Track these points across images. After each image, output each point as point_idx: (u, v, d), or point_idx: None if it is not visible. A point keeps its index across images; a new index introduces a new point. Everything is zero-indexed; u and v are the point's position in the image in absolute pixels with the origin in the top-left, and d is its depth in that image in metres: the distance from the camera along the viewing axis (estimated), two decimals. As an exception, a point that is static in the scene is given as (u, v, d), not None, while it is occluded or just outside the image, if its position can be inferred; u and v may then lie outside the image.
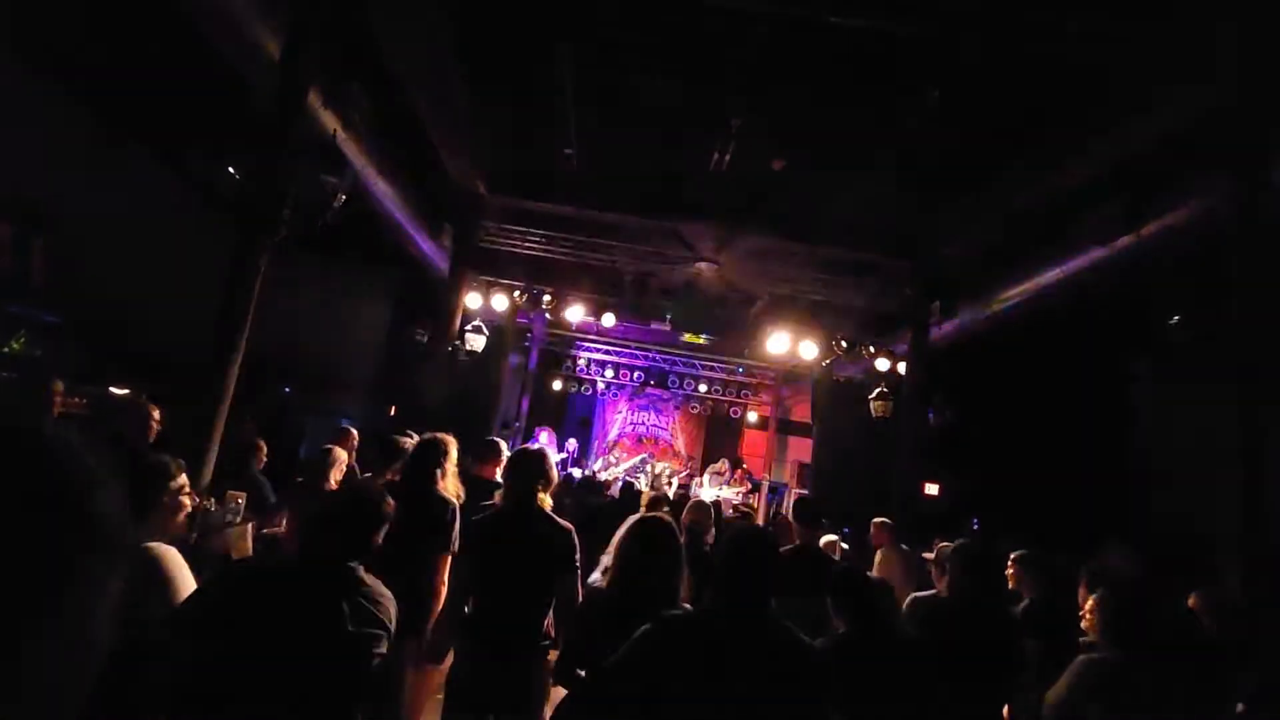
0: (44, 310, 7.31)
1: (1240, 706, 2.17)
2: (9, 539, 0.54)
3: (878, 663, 2.48)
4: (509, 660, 2.92)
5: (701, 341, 12.65)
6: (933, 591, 3.93)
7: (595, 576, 2.82)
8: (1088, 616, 2.91)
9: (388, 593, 2.09)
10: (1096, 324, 8.75)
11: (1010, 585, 3.66)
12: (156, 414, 3.56)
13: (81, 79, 6.79)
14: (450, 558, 3.27)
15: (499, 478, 4.46)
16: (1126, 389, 10.44)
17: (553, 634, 3.03)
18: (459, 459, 3.90)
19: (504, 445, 4.68)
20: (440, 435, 3.56)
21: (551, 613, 3.04)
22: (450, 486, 3.48)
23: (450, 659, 3.60)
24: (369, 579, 2.06)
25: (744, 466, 15.15)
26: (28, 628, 0.54)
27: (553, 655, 2.92)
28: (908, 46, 4.92)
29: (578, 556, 3.06)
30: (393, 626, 2.06)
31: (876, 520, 6.07)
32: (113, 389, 5.69)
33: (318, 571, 1.98)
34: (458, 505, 3.39)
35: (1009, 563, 3.69)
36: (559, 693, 2.73)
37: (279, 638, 1.87)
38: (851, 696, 2.15)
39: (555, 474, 3.29)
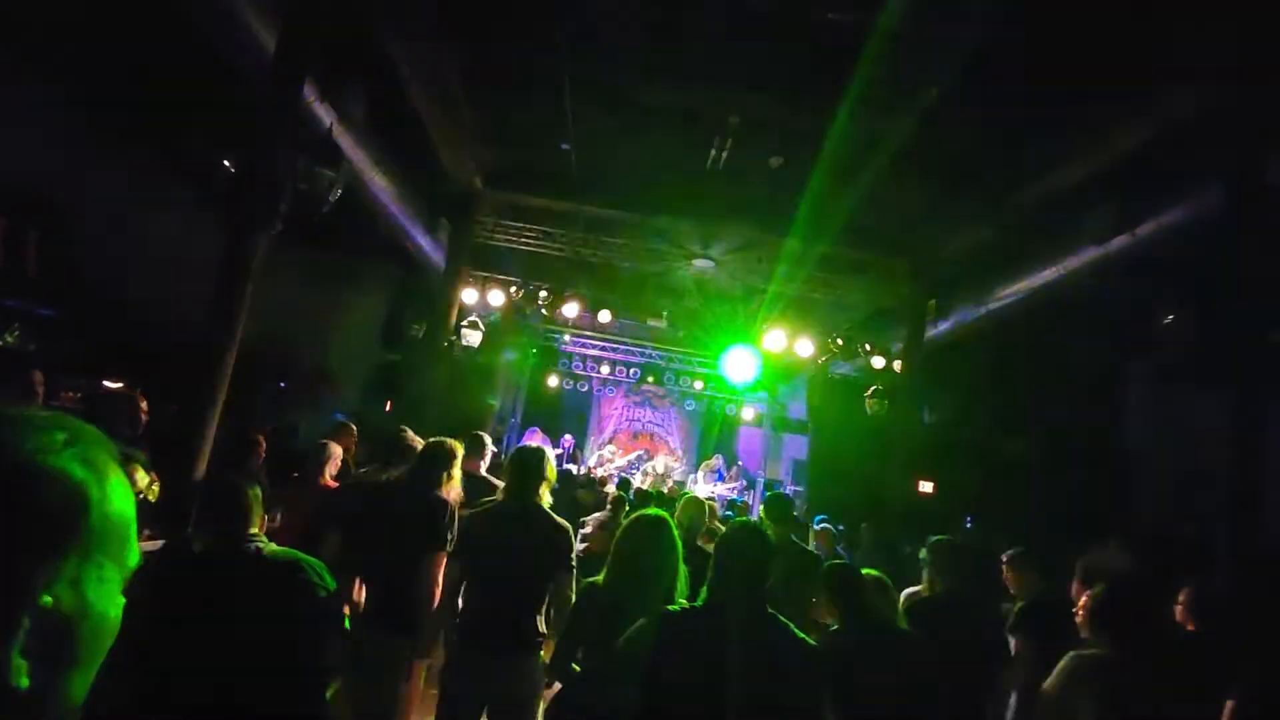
0: (38, 304, 7.27)
1: (1230, 704, 2.18)
2: None
3: (871, 658, 2.49)
4: (504, 655, 2.92)
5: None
6: (919, 588, 3.94)
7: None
8: (1081, 613, 2.92)
9: (311, 561, 2.17)
10: (1092, 323, 8.77)
11: (1009, 585, 3.65)
12: (145, 406, 3.55)
13: (76, 71, 6.75)
14: (445, 556, 3.25)
15: (483, 472, 4.47)
16: (1121, 388, 10.47)
17: (546, 630, 3.03)
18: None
19: (488, 440, 4.68)
20: (449, 441, 3.56)
21: (546, 609, 3.05)
22: (454, 491, 3.48)
23: (438, 653, 3.59)
24: (281, 549, 2.17)
25: (740, 463, 15.18)
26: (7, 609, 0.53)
27: (547, 650, 2.93)
28: (906, 45, 4.92)
29: (574, 554, 3.07)
30: (322, 593, 2.12)
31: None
32: (106, 382, 5.67)
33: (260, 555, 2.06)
34: (456, 507, 3.39)
35: (1003, 562, 3.68)
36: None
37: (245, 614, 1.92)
38: (844, 692, 2.15)
39: (555, 471, 3.32)
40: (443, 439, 3.56)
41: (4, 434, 0.57)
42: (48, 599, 0.55)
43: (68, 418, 0.64)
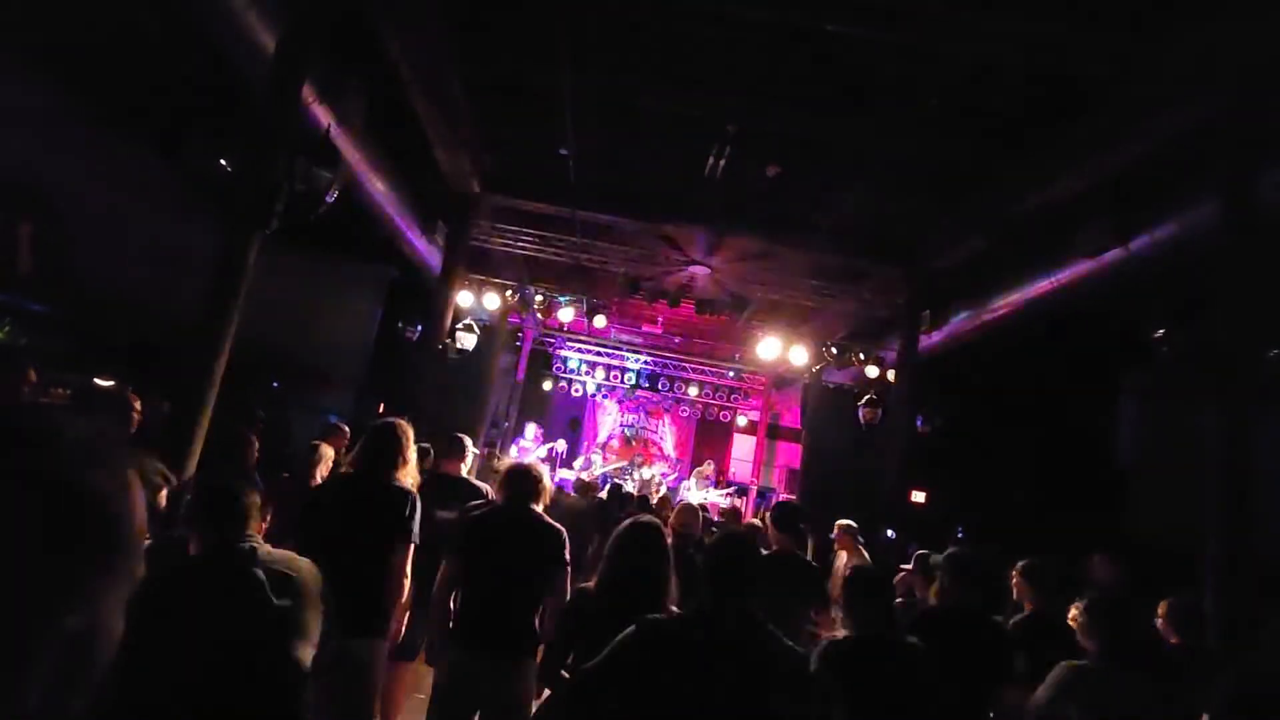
0: (30, 299, 7.24)
1: (1205, 717, 2.18)
2: (17, 536, 0.50)
3: (882, 667, 2.48)
4: (498, 659, 2.92)
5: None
6: (920, 597, 3.94)
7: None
8: (1073, 624, 2.93)
9: (305, 564, 2.13)
10: (1085, 335, 8.82)
11: (1018, 596, 3.64)
12: (138, 405, 3.52)
13: (75, 66, 6.74)
14: (412, 548, 3.15)
15: (464, 473, 4.44)
16: (1113, 400, 10.53)
17: (541, 633, 3.03)
18: (425, 456, 3.81)
19: (469, 442, 4.64)
20: (396, 420, 3.32)
21: (541, 612, 3.04)
22: (409, 475, 3.26)
23: (423, 655, 3.55)
24: (276, 551, 2.13)
25: (732, 471, 15.16)
26: (34, 628, 0.50)
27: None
28: (904, 56, 4.95)
29: (568, 555, 3.08)
30: (315, 596, 2.08)
31: (841, 523, 5.98)
32: (97, 379, 5.63)
33: (223, 554, 2.05)
34: (417, 495, 3.22)
35: (1013, 572, 3.67)
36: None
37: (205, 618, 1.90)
38: (854, 699, 2.15)
39: (549, 489, 3.31)
40: (390, 421, 3.32)
41: (38, 447, 0.55)
42: (71, 619, 0.52)
43: (101, 429, 0.62)
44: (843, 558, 5.68)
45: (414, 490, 3.22)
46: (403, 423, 3.32)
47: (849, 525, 5.89)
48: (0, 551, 0.50)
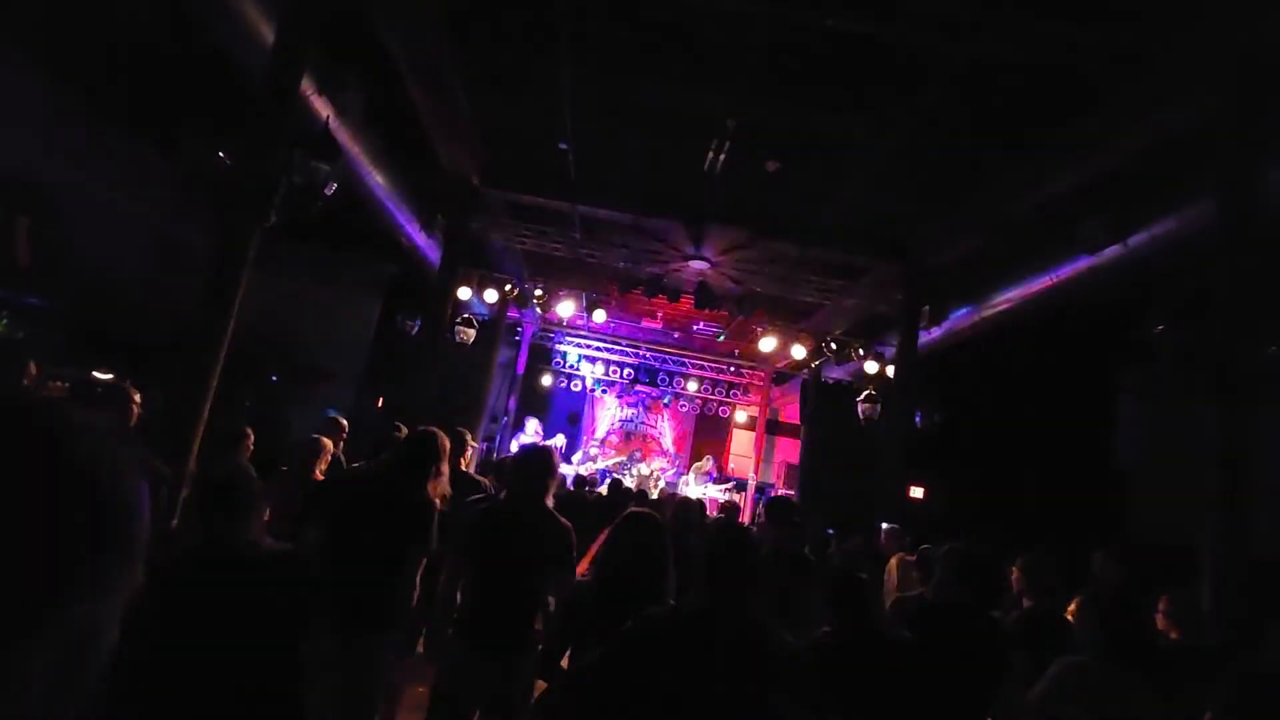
0: (28, 293, 7.22)
1: (1208, 716, 2.19)
2: (9, 529, 0.48)
3: (867, 662, 2.49)
4: (500, 656, 2.91)
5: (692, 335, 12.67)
6: (917, 592, 3.94)
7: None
8: (1072, 619, 2.93)
9: (303, 558, 2.15)
10: (1084, 332, 8.82)
11: (1017, 590, 3.64)
12: (138, 399, 3.51)
13: (72, 59, 6.71)
14: (425, 559, 3.15)
15: (464, 468, 4.45)
16: (1113, 397, 10.53)
17: (542, 629, 3.02)
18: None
19: (470, 437, 4.64)
20: (436, 431, 3.31)
21: (544, 609, 3.04)
22: (440, 489, 3.26)
23: (419, 651, 3.56)
24: (274, 545, 2.14)
25: (731, 466, 15.16)
26: (20, 632, 0.49)
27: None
28: (903, 53, 4.94)
29: (574, 554, 3.06)
30: (313, 590, 2.10)
31: (888, 528, 5.82)
32: (95, 373, 5.62)
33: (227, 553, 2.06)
34: (438, 507, 3.22)
35: (1013, 568, 3.67)
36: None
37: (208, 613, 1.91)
38: (840, 696, 2.16)
39: (559, 473, 3.28)
40: (432, 430, 3.34)
41: (65, 441, 0.55)
42: (77, 613, 0.51)
43: (114, 423, 0.61)
44: (893, 563, 5.58)
45: (438, 504, 3.21)
46: (444, 435, 3.32)
47: (894, 529, 5.78)
48: (24, 542, 0.49)
